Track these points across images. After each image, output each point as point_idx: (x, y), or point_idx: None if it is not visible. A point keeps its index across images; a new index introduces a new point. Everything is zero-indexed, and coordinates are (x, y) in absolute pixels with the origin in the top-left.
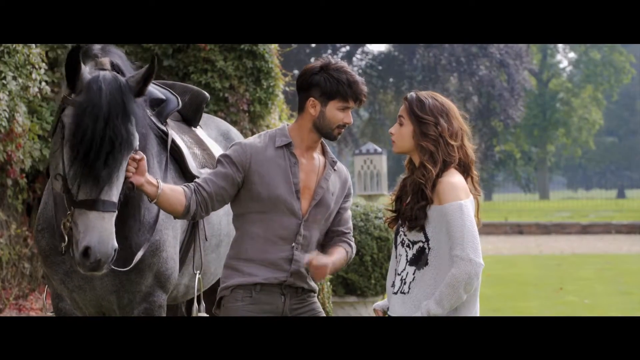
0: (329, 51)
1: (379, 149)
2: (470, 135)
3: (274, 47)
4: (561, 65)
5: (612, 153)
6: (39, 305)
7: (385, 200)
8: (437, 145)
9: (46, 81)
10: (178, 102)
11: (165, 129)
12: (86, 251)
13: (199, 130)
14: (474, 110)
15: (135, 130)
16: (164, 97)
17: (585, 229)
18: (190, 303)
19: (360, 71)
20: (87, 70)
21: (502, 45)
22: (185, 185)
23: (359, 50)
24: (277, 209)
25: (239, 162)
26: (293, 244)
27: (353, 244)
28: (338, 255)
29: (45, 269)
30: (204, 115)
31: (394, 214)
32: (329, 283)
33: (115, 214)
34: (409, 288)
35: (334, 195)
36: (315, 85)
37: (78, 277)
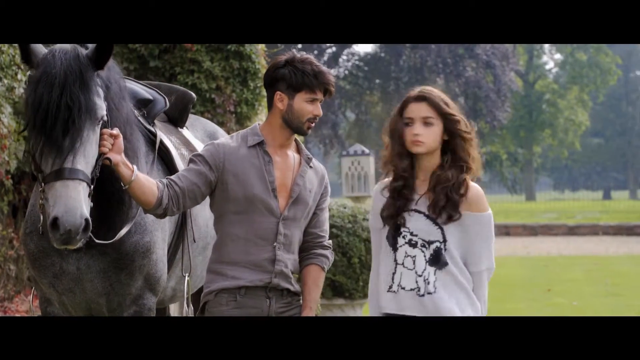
0: (315, 52)
1: (367, 150)
2: None
3: (261, 47)
4: (547, 67)
5: (598, 154)
6: (24, 308)
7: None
8: (469, 141)
9: None
10: (165, 103)
11: (153, 130)
12: (55, 222)
13: (185, 131)
14: (461, 112)
15: (101, 100)
16: (151, 98)
17: (572, 230)
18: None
19: (346, 72)
20: (41, 46)
21: (488, 47)
22: (158, 180)
23: (345, 51)
24: (254, 209)
25: (212, 162)
26: (275, 244)
27: (329, 250)
28: (314, 293)
29: (33, 272)
30: (191, 116)
31: (401, 184)
32: None
33: (84, 184)
34: (435, 287)
35: (312, 192)
36: (281, 79)
37: (68, 280)
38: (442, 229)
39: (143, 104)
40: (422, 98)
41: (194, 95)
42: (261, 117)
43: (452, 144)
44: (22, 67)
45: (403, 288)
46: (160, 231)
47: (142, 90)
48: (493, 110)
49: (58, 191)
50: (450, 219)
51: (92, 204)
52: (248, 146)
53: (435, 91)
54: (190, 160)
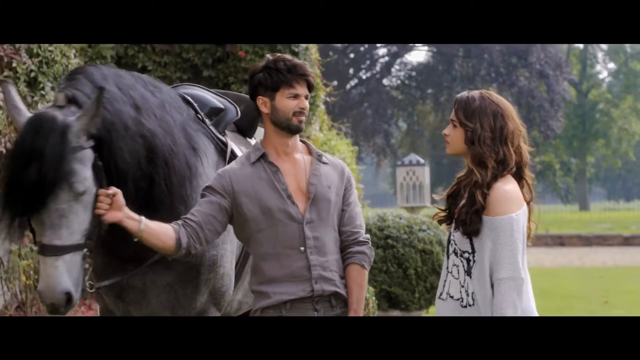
0: (367, 62)
1: (422, 160)
2: (526, 136)
3: (315, 57)
4: (601, 76)
5: None
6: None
7: (428, 212)
8: (487, 149)
9: None
10: (237, 112)
11: (224, 140)
12: (41, 294)
13: (254, 142)
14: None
15: (84, 168)
16: (222, 107)
17: (628, 241)
18: None
19: (399, 82)
20: (22, 112)
21: (542, 55)
22: (172, 222)
23: (398, 60)
24: (275, 221)
25: (220, 189)
26: (306, 250)
27: (366, 245)
28: (355, 293)
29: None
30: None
31: (445, 212)
32: (374, 298)
33: (65, 257)
34: (473, 300)
35: (332, 188)
36: (259, 84)
37: (135, 292)
38: (470, 239)
39: (214, 113)
40: (454, 101)
41: None
42: (315, 126)
43: (473, 152)
44: None
45: (451, 297)
46: (228, 244)
47: (214, 98)
48: (546, 120)
49: (41, 267)
50: (468, 233)
51: (86, 264)
52: (251, 163)
53: (474, 94)
54: (201, 195)
